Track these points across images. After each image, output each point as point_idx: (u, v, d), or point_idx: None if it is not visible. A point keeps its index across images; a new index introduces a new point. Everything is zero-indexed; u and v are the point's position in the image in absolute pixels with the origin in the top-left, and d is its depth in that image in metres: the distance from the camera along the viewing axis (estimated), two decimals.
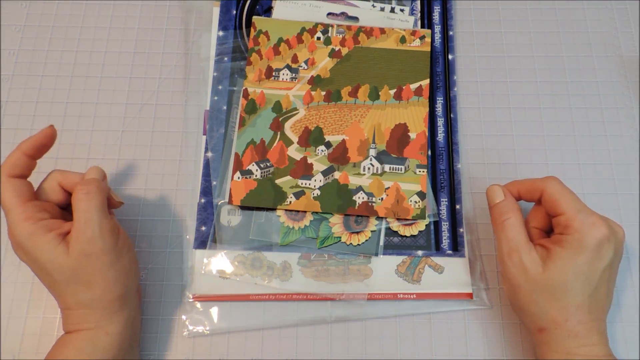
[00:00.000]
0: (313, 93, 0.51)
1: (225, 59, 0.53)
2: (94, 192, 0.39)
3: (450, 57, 0.53)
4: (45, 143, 0.41)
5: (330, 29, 0.53)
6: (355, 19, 0.54)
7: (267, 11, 0.54)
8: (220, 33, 0.54)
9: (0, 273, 0.47)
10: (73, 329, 0.40)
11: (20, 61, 0.53)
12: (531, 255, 0.40)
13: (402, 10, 0.54)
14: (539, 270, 0.39)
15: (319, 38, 0.53)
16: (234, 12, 0.54)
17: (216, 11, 0.54)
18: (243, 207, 0.48)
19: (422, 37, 0.52)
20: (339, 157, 0.49)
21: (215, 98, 0.51)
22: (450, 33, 0.54)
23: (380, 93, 0.51)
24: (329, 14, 0.54)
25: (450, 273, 0.46)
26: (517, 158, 0.50)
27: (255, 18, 0.53)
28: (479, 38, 0.55)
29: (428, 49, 0.52)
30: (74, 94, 0.52)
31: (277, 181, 0.48)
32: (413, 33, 0.53)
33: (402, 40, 0.52)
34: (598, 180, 0.50)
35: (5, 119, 0.51)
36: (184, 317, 0.46)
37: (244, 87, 0.51)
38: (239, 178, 0.48)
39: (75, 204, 0.39)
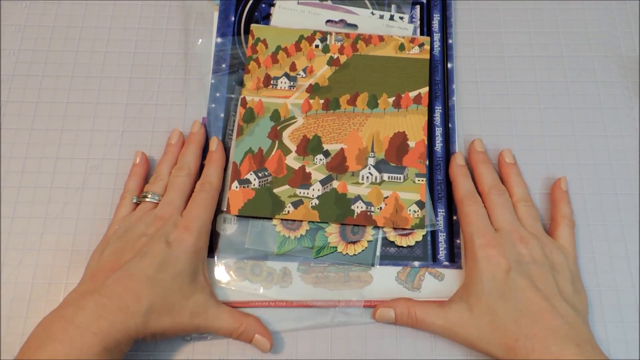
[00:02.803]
0: (311, 101, 0.50)
1: (223, 66, 0.52)
2: None
3: (449, 65, 0.53)
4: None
5: (328, 36, 0.52)
6: (354, 26, 0.54)
7: (266, 18, 0.54)
8: (219, 40, 0.53)
9: (0, 273, 0.47)
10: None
11: (20, 61, 0.53)
12: (455, 310, 0.42)
13: (401, 18, 0.54)
14: (468, 315, 0.41)
15: (317, 46, 0.52)
16: (233, 18, 0.54)
17: (215, 16, 0.54)
18: (239, 216, 0.48)
19: (421, 45, 0.52)
20: (338, 166, 0.48)
21: (213, 106, 0.51)
22: (450, 41, 0.53)
23: (379, 101, 0.50)
24: (327, 21, 0.54)
25: (450, 280, 0.46)
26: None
27: (253, 26, 0.53)
28: (479, 38, 0.54)
29: (427, 56, 0.52)
30: (74, 94, 0.52)
31: (275, 190, 0.47)
32: (412, 40, 0.52)
33: (401, 47, 0.52)
34: (598, 180, 0.50)
35: (5, 119, 0.51)
36: None
37: (241, 96, 0.50)
38: (236, 187, 0.48)
39: None
